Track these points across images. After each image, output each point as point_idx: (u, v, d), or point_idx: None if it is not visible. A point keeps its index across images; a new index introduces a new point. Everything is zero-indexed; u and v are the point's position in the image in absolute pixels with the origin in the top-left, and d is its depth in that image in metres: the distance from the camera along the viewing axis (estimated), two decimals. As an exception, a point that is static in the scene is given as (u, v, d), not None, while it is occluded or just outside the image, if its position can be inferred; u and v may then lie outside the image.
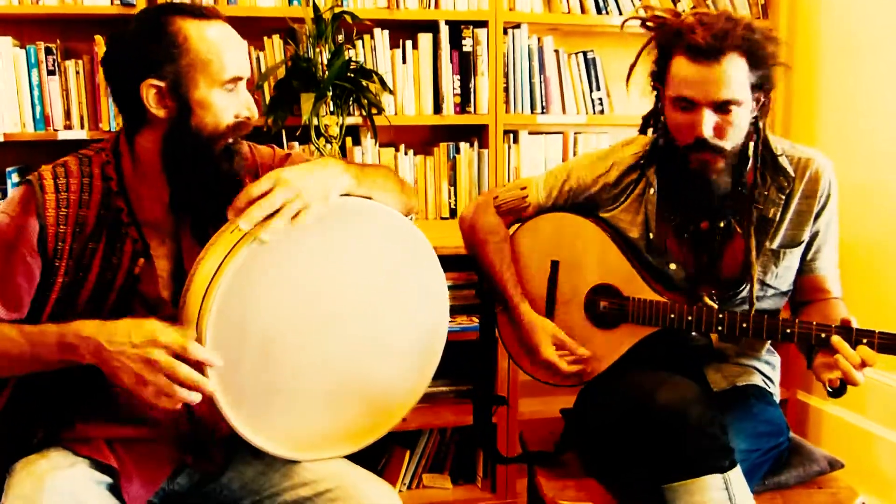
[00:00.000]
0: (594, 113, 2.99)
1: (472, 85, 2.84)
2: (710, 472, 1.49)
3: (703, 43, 1.58)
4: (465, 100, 2.85)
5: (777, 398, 1.89)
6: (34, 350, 1.38)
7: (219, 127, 1.47)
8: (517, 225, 1.97)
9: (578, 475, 1.81)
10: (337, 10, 2.58)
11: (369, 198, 1.53)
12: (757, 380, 1.83)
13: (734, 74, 1.58)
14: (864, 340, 1.53)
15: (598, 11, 2.89)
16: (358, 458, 2.76)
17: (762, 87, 1.65)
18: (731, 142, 1.65)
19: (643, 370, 1.70)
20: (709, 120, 1.62)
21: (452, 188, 2.91)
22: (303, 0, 2.66)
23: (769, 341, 1.89)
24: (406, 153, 2.89)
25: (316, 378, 1.52)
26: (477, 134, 2.94)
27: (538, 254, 1.91)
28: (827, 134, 3.03)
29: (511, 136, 2.96)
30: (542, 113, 2.94)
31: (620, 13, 2.90)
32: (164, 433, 1.55)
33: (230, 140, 1.50)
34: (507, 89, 2.89)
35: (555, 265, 1.88)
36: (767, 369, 1.88)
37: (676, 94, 1.65)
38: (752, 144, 1.72)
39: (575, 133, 3.04)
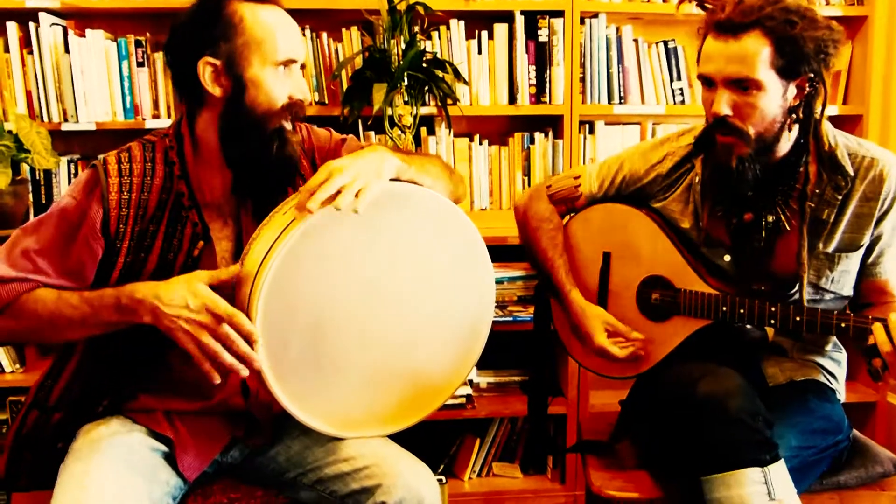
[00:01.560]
0: (674, 103, 2.93)
1: (547, 75, 2.83)
2: (748, 466, 1.45)
3: (724, 18, 1.55)
4: (541, 90, 2.85)
5: (842, 396, 1.82)
6: (95, 313, 1.45)
7: (273, 106, 1.53)
8: (570, 215, 1.96)
9: (630, 467, 1.80)
10: (411, 1, 2.61)
11: (417, 183, 1.56)
12: (818, 376, 1.77)
13: (752, 53, 1.54)
14: None
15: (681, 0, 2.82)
16: (430, 444, 2.82)
17: (796, 73, 1.56)
18: (754, 126, 1.59)
19: (691, 361, 1.66)
20: (724, 98, 1.58)
21: (526, 178, 2.91)
22: (379, -8, 2.71)
23: (834, 338, 1.82)
24: (481, 143, 2.91)
25: (361, 359, 1.57)
26: (552, 124, 2.92)
27: (590, 244, 1.90)
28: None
29: (587, 126, 2.94)
30: (620, 103, 2.90)
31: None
32: (219, 407, 1.63)
33: (284, 120, 1.55)
34: (583, 79, 2.87)
35: (607, 256, 1.87)
36: (832, 366, 1.81)
37: (699, 72, 1.63)
38: (792, 134, 1.65)
39: (653, 124, 2.99)
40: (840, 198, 1.67)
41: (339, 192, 1.40)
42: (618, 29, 2.89)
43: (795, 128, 1.65)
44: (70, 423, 1.59)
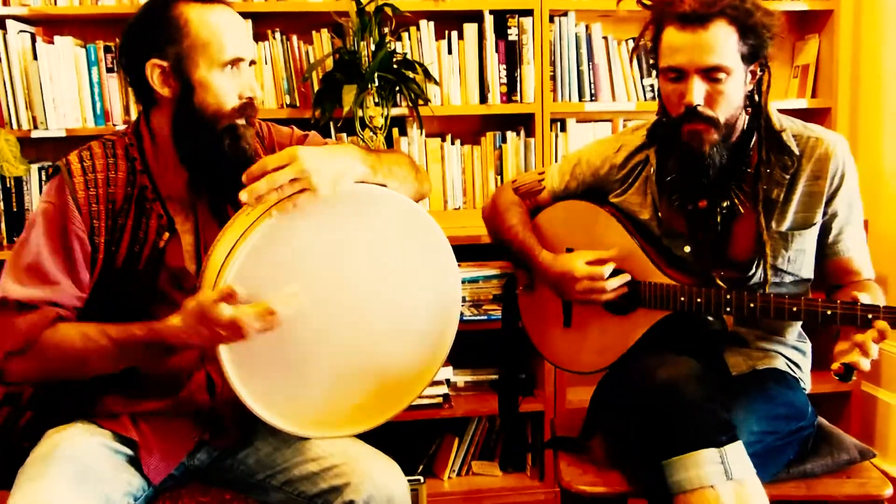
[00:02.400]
0: (645, 99, 2.94)
1: (517, 74, 2.84)
2: (704, 447, 1.48)
3: (689, 10, 1.58)
4: (512, 89, 2.86)
5: (806, 384, 1.85)
6: (125, 356, 1.50)
7: (222, 107, 1.55)
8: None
9: (601, 462, 1.81)
10: (379, 2, 2.62)
11: (384, 185, 1.57)
12: (780, 364, 1.80)
13: (721, 41, 1.58)
14: (870, 316, 1.49)
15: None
16: (409, 444, 2.83)
17: (755, 58, 1.63)
18: (724, 113, 1.63)
19: (650, 352, 1.69)
20: (698, 87, 1.61)
21: (499, 177, 2.92)
22: (348, -6, 2.72)
23: (799, 328, 1.85)
24: (453, 143, 2.92)
25: (328, 358, 1.57)
26: (524, 123, 2.94)
27: (555, 241, 1.92)
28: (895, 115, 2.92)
29: (559, 124, 2.95)
30: (591, 100, 2.92)
31: (672, -2, 2.86)
32: (184, 404, 1.63)
33: (237, 120, 1.56)
34: (553, 77, 2.88)
35: (570, 252, 1.88)
36: (795, 355, 1.84)
37: (666, 65, 1.64)
38: (745, 118, 1.69)
39: (624, 120, 3.00)
40: (788, 177, 1.71)
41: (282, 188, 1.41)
42: (587, 27, 2.91)
43: (747, 113, 1.71)
44: (38, 423, 1.60)
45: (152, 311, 1.54)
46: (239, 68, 1.56)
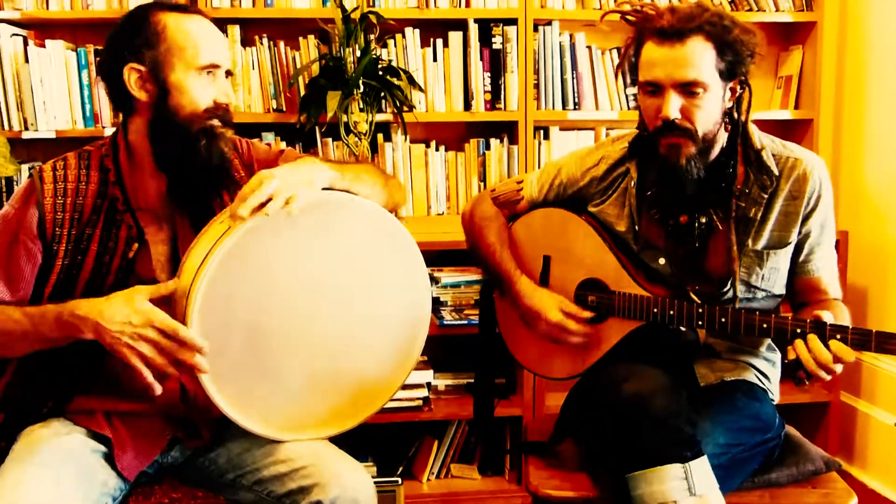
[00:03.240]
0: (627, 108, 2.97)
1: (501, 82, 2.88)
2: (669, 462, 1.50)
3: (667, 25, 1.61)
4: (496, 97, 2.90)
5: (775, 395, 1.87)
6: (36, 329, 1.51)
7: (196, 109, 1.59)
8: (513, 220, 2.00)
9: (571, 467, 1.83)
10: (364, 10, 2.65)
11: (352, 192, 1.61)
12: (750, 376, 1.82)
13: (698, 56, 1.61)
14: (838, 336, 1.51)
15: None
16: (389, 445, 2.86)
17: (734, 75, 1.66)
18: (701, 127, 1.66)
19: (621, 362, 1.71)
20: (674, 101, 1.63)
21: (482, 183, 2.95)
22: (333, 1, 2.74)
23: (768, 339, 1.87)
24: (437, 149, 2.95)
25: (299, 363, 1.61)
26: (507, 130, 2.97)
27: (531, 247, 1.94)
28: (878, 127, 2.95)
29: (542, 132, 2.99)
30: (575, 109, 2.95)
31: (656, 8, 2.89)
32: (158, 409, 1.66)
33: (210, 123, 1.60)
34: (537, 85, 2.92)
35: (547, 259, 1.91)
36: (765, 366, 1.86)
37: (644, 79, 1.67)
38: (725, 135, 1.71)
39: (607, 129, 3.03)
40: (766, 196, 1.73)
41: (269, 200, 1.45)
42: (571, 36, 2.94)
43: (726, 130, 1.73)
44: (13, 424, 1.62)
45: None
46: (215, 75, 1.61)
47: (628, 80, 2.96)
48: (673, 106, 1.63)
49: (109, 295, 1.48)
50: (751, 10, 3.00)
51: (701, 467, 1.51)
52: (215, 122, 1.61)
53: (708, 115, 1.65)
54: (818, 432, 3.00)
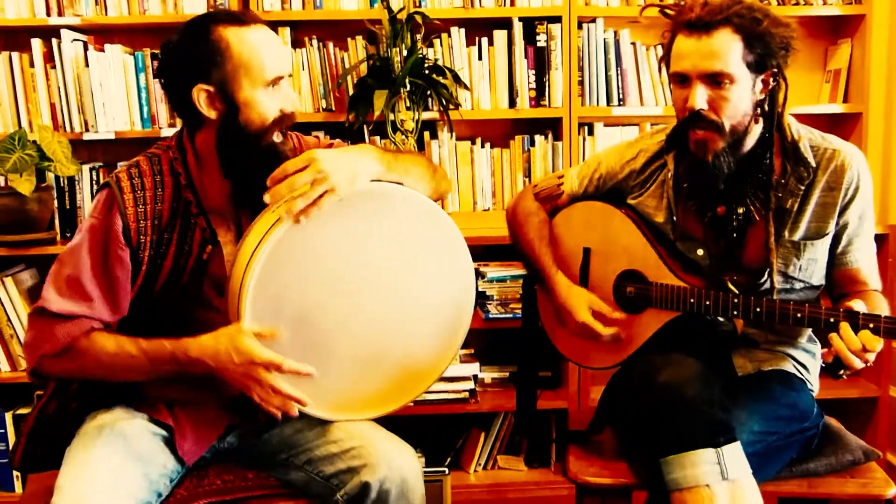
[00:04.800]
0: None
1: (546, 79, 2.92)
2: (702, 447, 1.53)
3: (695, 17, 1.64)
4: (540, 94, 2.94)
5: (814, 386, 1.89)
6: (153, 366, 1.61)
7: (265, 122, 1.64)
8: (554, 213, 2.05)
9: (609, 456, 1.88)
10: (411, 10, 2.72)
11: (400, 183, 1.67)
12: (787, 366, 1.84)
13: (724, 48, 1.63)
14: (871, 325, 1.52)
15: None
16: (437, 437, 2.92)
17: (764, 67, 1.67)
18: (729, 119, 1.68)
19: (656, 352, 1.74)
20: (700, 92, 1.66)
21: (527, 179, 2.99)
22: (381, 2, 2.81)
23: (809, 330, 1.88)
24: (483, 146, 3.00)
25: (348, 348, 1.68)
26: (552, 127, 3.01)
27: (572, 240, 1.99)
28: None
29: (586, 128, 3.02)
30: (619, 105, 2.97)
31: (700, 4, 2.91)
32: (216, 398, 1.74)
33: (277, 131, 1.66)
34: (581, 82, 2.95)
35: (587, 252, 1.95)
36: (804, 357, 1.88)
37: (673, 71, 1.71)
38: (758, 127, 1.73)
39: (651, 125, 3.05)
40: (803, 188, 1.74)
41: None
42: (616, 33, 2.96)
43: (760, 122, 1.74)
44: (83, 411, 1.72)
45: (196, 314, 1.67)
46: (279, 85, 1.65)
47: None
48: (699, 97, 1.66)
49: (218, 333, 1.57)
50: (798, 3, 2.99)
51: (733, 452, 1.54)
52: (278, 138, 1.66)
53: (735, 107, 1.67)
54: (868, 427, 2.98)
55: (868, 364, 1.54)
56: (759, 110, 1.72)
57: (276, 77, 1.63)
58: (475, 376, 2.87)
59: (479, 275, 2.87)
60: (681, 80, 1.70)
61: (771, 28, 1.65)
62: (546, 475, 2.95)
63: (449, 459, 2.96)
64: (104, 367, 1.62)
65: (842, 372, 1.56)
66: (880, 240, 2.82)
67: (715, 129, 1.68)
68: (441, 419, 2.93)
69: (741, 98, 1.67)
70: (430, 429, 2.98)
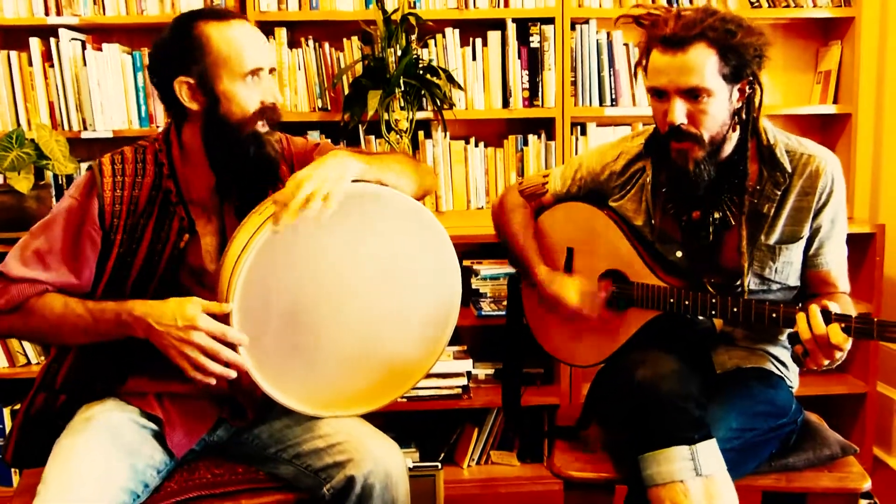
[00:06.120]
0: (664, 104, 3.02)
1: (539, 79, 2.96)
2: (676, 444, 1.57)
3: (670, 33, 1.66)
4: (534, 94, 2.98)
5: (793, 382, 1.92)
6: (96, 325, 1.64)
7: (246, 114, 1.69)
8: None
9: (594, 451, 1.91)
10: (405, 11, 2.76)
11: (382, 183, 1.70)
12: (766, 363, 1.87)
13: (700, 63, 1.65)
14: (842, 325, 1.55)
15: (670, 4, 2.94)
16: (431, 432, 2.96)
17: (740, 77, 1.69)
18: (708, 131, 1.70)
19: (637, 350, 1.78)
20: (679, 107, 1.68)
21: (521, 178, 3.02)
22: (375, 3, 2.85)
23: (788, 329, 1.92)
24: (477, 145, 3.05)
25: (334, 345, 1.72)
26: (545, 126, 3.05)
27: (557, 240, 2.02)
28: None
29: (579, 128, 3.06)
30: (612, 105, 3.01)
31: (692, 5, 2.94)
32: (206, 391, 1.77)
33: (259, 123, 1.70)
34: (574, 83, 2.99)
35: (570, 251, 1.99)
36: (783, 354, 1.91)
37: (650, 86, 1.73)
38: (735, 134, 1.76)
39: (644, 125, 3.08)
40: (779, 193, 1.77)
41: (308, 199, 1.55)
42: (608, 34, 3.00)
43: (738, 128, 1.77)
44: (72, 403, 1.76)
45: None
46: (259, 77, 1.69)
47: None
48: (678, 112, 1.68)
49: (168, 299, 1.60)
50: (789, 6, 3.02)
51: (708, 449, 1.58)
52: (263, 128, 1.70)
53: (714, 119, 1.70)
54: (856, 423, 3.02)
55: (834, 362, 1.58)
56: (736, 118, 1.75)
57: (255, 68, 1.68)
58: (468, 373, 2.91)
59: (472, 272, 2.91)
60: (659, 95, 1.73)
61: (745, 39, 1.66)
62: (538, 470, 2.99)
63: (443, 455, 3.00)
64: (49, 325, 1.66)
65: (808, 361, 1.60)
66: (867, 239, 2.86)
67: (695, 141, 1.71)
68: (435, 415, 2.97)
69: (719, 110, 1.70)
70: (425, 424, 3.02)
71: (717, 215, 1.80)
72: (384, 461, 1.68)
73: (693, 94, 1.67)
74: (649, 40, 1.73)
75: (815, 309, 1.57)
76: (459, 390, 2.88)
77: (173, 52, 1.68)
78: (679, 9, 1.72)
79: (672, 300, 1.79)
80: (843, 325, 1.55)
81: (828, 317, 1.57)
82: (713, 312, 1.73)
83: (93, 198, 1.70)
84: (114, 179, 1.71)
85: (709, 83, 1.66)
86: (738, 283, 1.80)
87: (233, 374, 1.60)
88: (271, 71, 1.73)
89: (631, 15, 1.81)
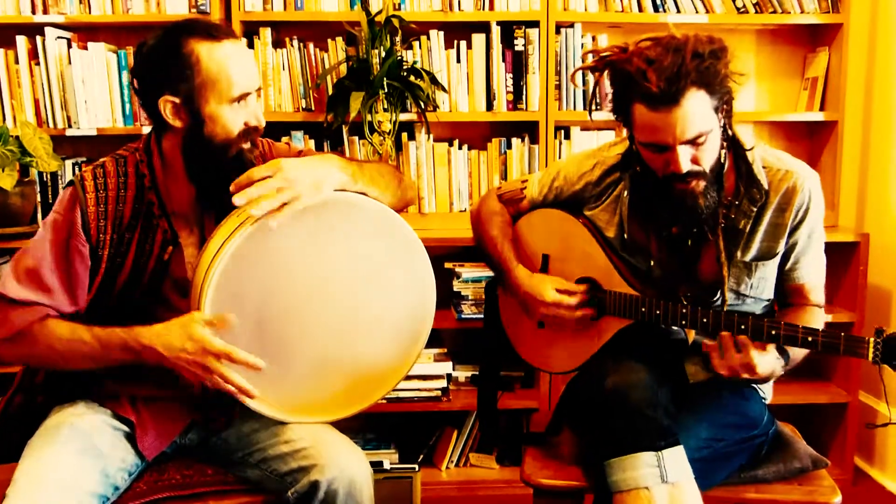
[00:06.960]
0: (649, 109, 3.01)
1: (523, 83, 2.96)
2: (643, 450, 1.57)
3: (656, 90, 1.58)
4: (518, 97, 2.97)
5: (766, 394, 1.93)
6: (105, 352, 1.64)
7: (229, 136, 1.68)
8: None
9: (565, 458, 1.91)
10: (389, 13, 2.75)
11: (364, 193, 1.71)
12: (739, 375, 1.87)
13: (698, 110, 1.61)
14: (810, 338, 1.57)
15: (656, 9, 2.93)
16: (411, 434, 2.96)
17: (724, 100, 1.66)
18: (709, 163, 1.68)
19: (609, 358, 1.79)
20: (684, 156, 1.64)
21: (504, 181, 3.03)
22: (360, 5, 2.85)
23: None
24: (460, 148, 3.04)
25: (306, 351, 1.73)
26: (528, 130, 3.05)
27: (532, 246, 2.02)
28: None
29: (563, 132, 3.05)
30: (596, 109, 3.00)
31: (678, 11, 2.94)
32: (179, 395, 1.79)
33: (241, 145, 1.69)
34: (559, 86, 2.99)
35: (545, 258, 1.99)
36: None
37: (647, 141, 1.68)
38: (725, 152, 1.74)
39: (628, 129, 3.08)
40: (755, 209, 1.77)
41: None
42: (594, 38, 3.00)
43: (725, 144, 1.74)
44: (48, 403, 1.77)
45: (158, 315, 1.69)
46: (246, 101, 1.68)
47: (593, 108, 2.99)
48: (684, 161, 1.64)
49: (169, 322, 1.60)
50: (775, 11, 3.01)
51: (675, 456, 1.58)
52: (245, 146, 1.70)
53: (714, 151, 1.68)
54: (837, 432, 3.02)
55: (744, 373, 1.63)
56: (724, 140, 1.73)
57: (243, 94, 1.67)
58: (448, 375, 2.91)
59: (454, 275, 2.91)
60: (659, 148, 1.67)
61: (721, 67, 1.62)
62: (517, 474, 2.91)
63: (422, 456, 3.01)
64: (57, 353, 1.66)
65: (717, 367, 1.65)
66: (852, 247, 2.86)
67: (699, 177, 1.69)
68: (414, 417, 2.97)
69: (716, 141, 1.68)
70: (404, 426, 3.02)
71: (694, 230, 1.79)
72: (349, 467, 1.68)
73: (696, 140, 1.64)
74: (628, 93, 1.66)
75: (728, 344, 1.62)
76: (439, 392, 2.88)
77: (160, 68, 1.65)
78: (644, 51, 1.63)
79: (644, 309, 1.79)
80: (809, 338, 1.57)
81: (795, 331, 1.59)
82: (684, 322, 1.73)
83: (76, 211, 1.69)
84: (97, 195, 1.69)
85: (709, 124, 1.63)
86: (717, 296, 1.80)
87: (246, 400, 1.65)
88: (258, 91, 1.72)
89: (597, 51, 1.76)
